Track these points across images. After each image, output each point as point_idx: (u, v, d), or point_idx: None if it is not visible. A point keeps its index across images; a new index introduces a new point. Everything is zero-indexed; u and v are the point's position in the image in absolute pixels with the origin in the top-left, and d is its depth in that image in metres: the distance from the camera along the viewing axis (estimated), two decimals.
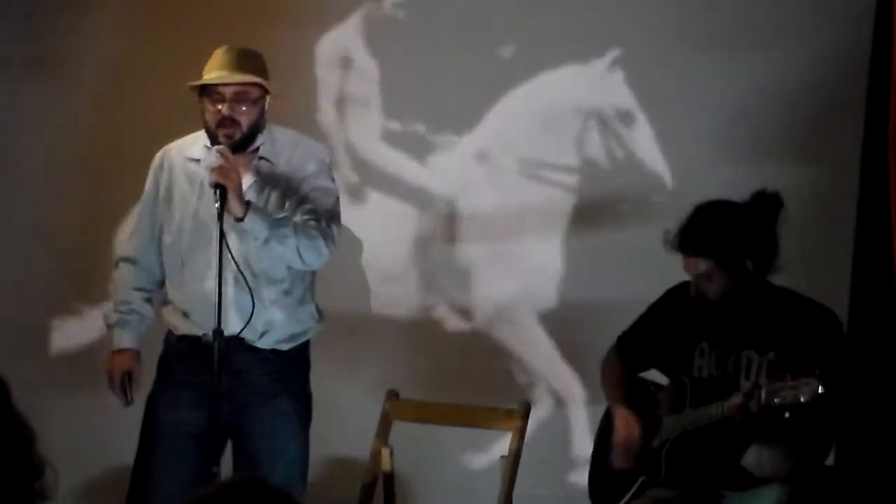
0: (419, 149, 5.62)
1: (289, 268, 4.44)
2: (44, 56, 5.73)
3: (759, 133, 5.33)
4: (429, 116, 5.59)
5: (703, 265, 4.19)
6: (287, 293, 4.46)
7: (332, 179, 4.53)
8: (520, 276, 5.59)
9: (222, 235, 4.24)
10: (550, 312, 5.56)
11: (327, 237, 4.38)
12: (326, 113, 5.67)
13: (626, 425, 4.37)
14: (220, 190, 4.24)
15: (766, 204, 4.23)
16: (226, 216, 4.27)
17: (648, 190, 5.43)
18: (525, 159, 5.56)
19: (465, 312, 5.62)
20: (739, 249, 4.19)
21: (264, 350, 4.46)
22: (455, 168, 5.61)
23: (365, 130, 5.65)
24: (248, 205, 4.29)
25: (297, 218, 4.37)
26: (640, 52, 5.44)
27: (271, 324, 4.44)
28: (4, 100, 5.78)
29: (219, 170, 4.26)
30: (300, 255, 4.35)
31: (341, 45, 5.67)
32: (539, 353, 5.59)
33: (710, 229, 4.20)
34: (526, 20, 5.51)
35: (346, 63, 5.67)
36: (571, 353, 5.52)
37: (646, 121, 5.45)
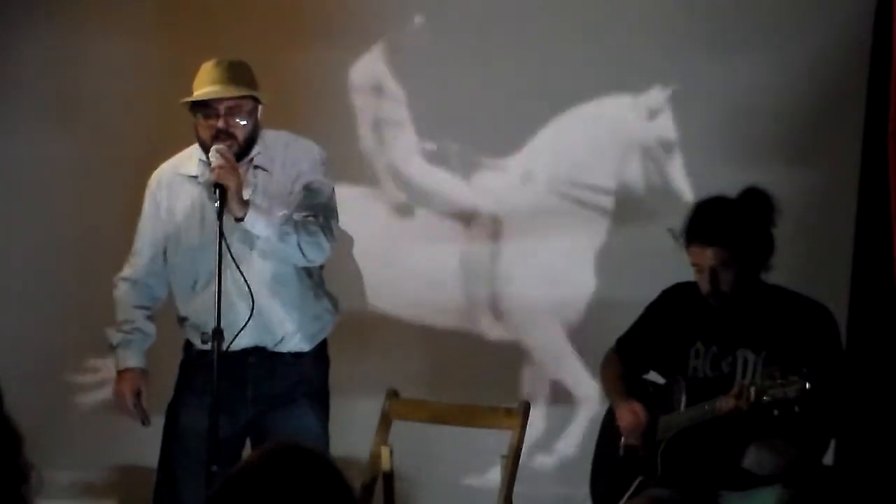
0: (452, 168, 5.64)
1: (296, 270, 4.45)
2: (62, 79, 5.74)
3: (759, 133, 5.34)
4: (463, 136, 5.61)
5: (717, 256, 4.19)
6: (299, 294, 4.47)
7: (326, 175, 4.52)
8: (524, 278, 5.60)
9: (221, 235, 4.23)
10: (551, 313, 5.56)
11: (327, 232, 4.38)
12: (366, 139, 5.68)
13: (626, 404, 4.38)
14: (220, 190, 4.24)
15: (757, 199, 4.25)
16: (226, 217, 4.27)
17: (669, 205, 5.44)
18: (556, 177, 5.58)
19: (466, 312, 5.63)
20: (749, 240, 4.20)
21: (286, 354, 4.48)
22: (484, 181, 5.64)
23: (404, 151, 5.67)
24: (247, 204, 4.29)
25: (296, 215, 4.37)
26: (639, 52, 5.45)
27: (289, 327, 4.46)
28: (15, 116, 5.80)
29: (219, 170, 4.25)
30: (302, 252, 4.35)
31: (371, 72, 5.68)
32: (539, 353, 5.60)
33: (721, 219, 4.20)
34: (544, 33, 5.52)
35: (378, 89, 5.69)
36: (573, 351, 5.53)
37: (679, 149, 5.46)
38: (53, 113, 5.72)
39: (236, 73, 4.39)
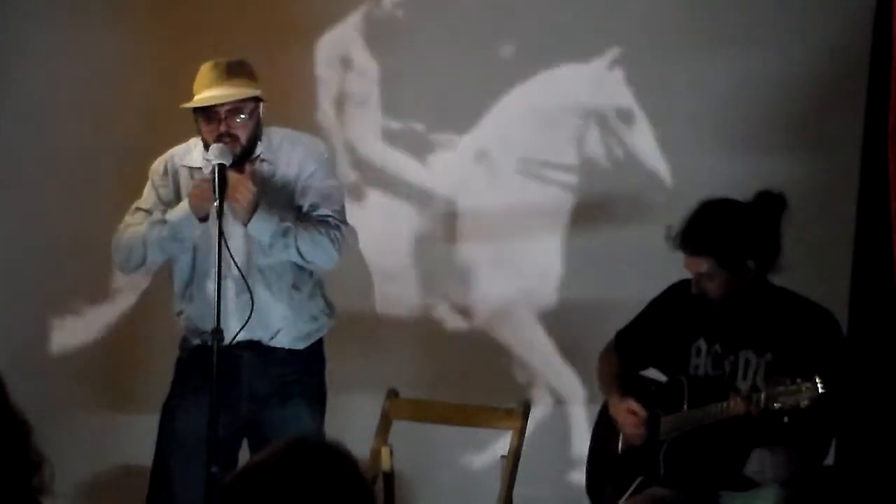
0: (419, 148, 5.62)
1: (295, 268, 4.44)
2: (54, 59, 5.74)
3: (758, 130, 5.34)
4: (428, 115, 5.60)
5: (704, 264, 4.19)
6: (295, 288, 4.46)
7: (335, 175, 4.53)
8: (519, 275, 5.59)
9: (221, 234, 4.23)
10: (550, 311, 5.56)
11: (334, 239, 4.38)
12: (326, 112, 5.67)
13: (621, 402, 4.37)
14: (220, 181, 4.24)
15: (770, 204, 4.23)
16: (231, 219, 4.28)
17: (647, 188, 5.44)
18: (525, 158, 5.56)
19: (465, 311, 5.62)
20: (741, 250, 4.18)
21: (280, 350, 4.46)
22: (455, 167, 5.61)
23: (365, 129, 5.65)
24: (254, 211, 4.29)
25: (307, 222, 4.36)
26: (640, 49, 5.45)
27: (283, 320, 4.44)
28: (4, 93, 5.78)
29: (238, 196, 4.27)
30: (304, 258, 4.36)
31: (341, 44, 5.66)
32: (539, 352, 5.59)
33: (712, 229, 4.19)
34: (526, 19, 5.50)
35: (346, 62, 5.67)
36: (571, 351, 5.53)
37: (645, 119, 5.45)
38: (50, 108, 5.70)
39: (234, 74, 4.38)
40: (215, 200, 4.24)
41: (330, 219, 4.41)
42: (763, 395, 4.00)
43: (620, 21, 5.45)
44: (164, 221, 4.41)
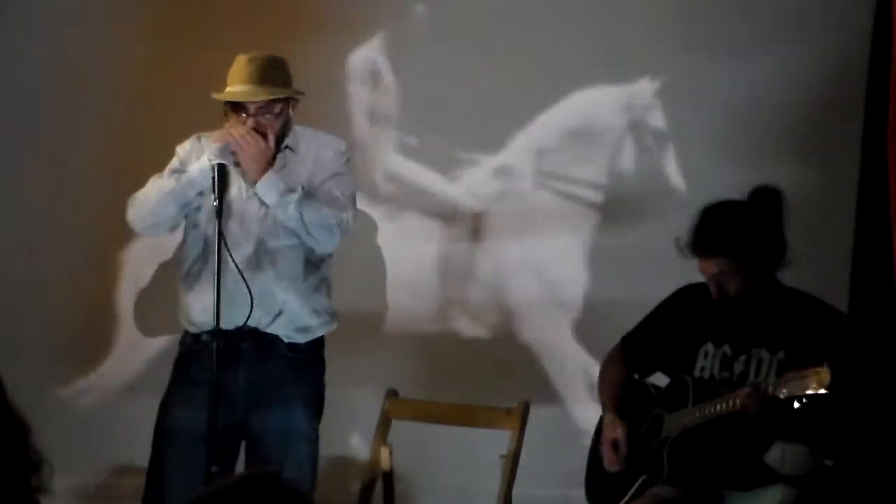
0: (443, 163, 5.63)
1: (304, 256, 4.44)
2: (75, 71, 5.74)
3: (759, 134, 5.35)
4: (455, 131, 5.60)
5: (720, 265, 4.20)
6: (301, 276, 4.45)
7: (347, 167, 4.53)
8: (510, 276, 5.60)
9: (221, 235, 4.24)
10: (550, 312, 5.56)
11: (340, 219, 4.39)
12: (361, 127, 5.67)
13: (611, 429, 4.38)
14: (220, 177, 4.24)
15: (766, 198, 4.26)
16: (246, 199, 4.30)
17: (667, 202, 5.45)
18: (548, 172, 5.57)
19: (466, 312, 5.63)
20: (754, 245, 4.21)
21: (281, 344, 4.44)
22: (478, 182, 5.62)
23: (388, 145, 5.66)
24: (265, 170, 4.32)
25: (315, 196, 4.38)
26: (645, 54, 5.46)
27: (285, 304, 4.42)
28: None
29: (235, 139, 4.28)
30: (305, 227, 4.35)
31: (369, 61, 5.67)
32: (539, 352, 5.60)
33: (723, 229, 4.21)
34: (549, 30, 5.51)
35: (374, 79, 5.68)
36: (571, 351, 5.53)
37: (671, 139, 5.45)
38: (54, 104, 5.71)
39: (269, 72, 4.40)
40: (215, 200, 4.25)
41: (338, 199, 4.42)
42: (771, 384, 4.01)
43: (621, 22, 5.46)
44: (182, 171, 4.44)
